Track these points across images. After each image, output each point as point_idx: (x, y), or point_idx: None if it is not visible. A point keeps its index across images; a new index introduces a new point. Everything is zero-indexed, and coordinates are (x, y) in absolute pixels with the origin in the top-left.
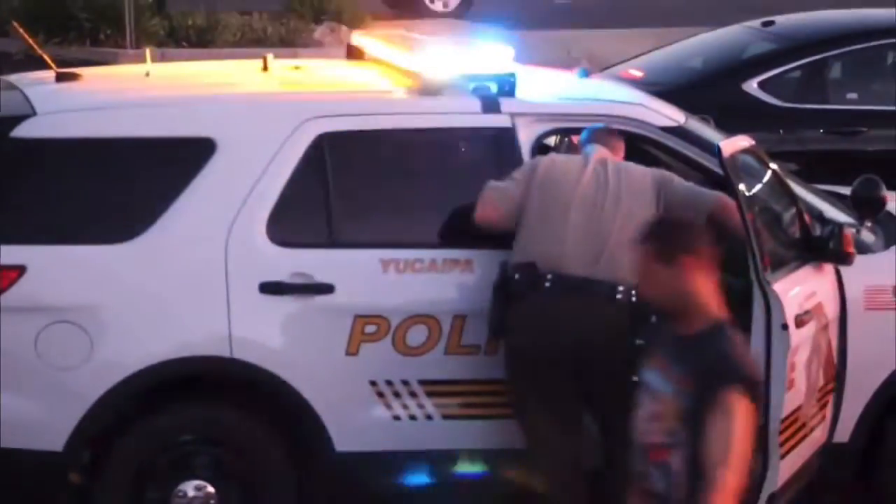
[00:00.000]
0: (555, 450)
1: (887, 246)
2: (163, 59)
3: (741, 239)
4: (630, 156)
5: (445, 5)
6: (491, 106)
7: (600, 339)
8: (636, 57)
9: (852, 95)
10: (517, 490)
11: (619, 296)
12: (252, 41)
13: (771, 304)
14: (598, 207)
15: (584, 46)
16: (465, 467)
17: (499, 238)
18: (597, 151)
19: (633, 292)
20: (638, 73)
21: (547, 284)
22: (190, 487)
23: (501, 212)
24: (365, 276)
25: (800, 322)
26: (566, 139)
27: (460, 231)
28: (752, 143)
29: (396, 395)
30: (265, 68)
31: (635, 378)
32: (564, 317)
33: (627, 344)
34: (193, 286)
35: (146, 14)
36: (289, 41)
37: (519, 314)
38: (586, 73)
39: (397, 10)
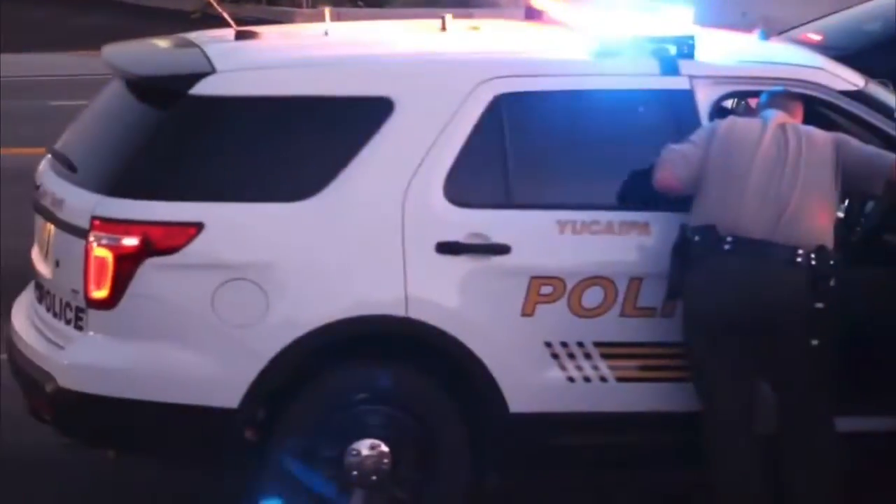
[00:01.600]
0: (730, 414)
1: None
2: (338, 18)
3: None
4: (808, 120)
5: None
6: (669, 68)
7: (780, 303)
8: (815, 20)
9: None
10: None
11: (798, 259)
12: (428, 1)
13: None
14: (779, 171)
15: (761, 9)
16: (639, 430)
17: (676, 201)
18: (776, 115)
19: (813, 256)
20: (816, 37)
21: (727, 247)
22: (364, 446)
23: (681, 175)
24: (541, 236)
25: None
26: (744, 102)
27: (637, 193)
28: None
29: (571, 356)
30: (443, 28)
31: (815, 342)
32: (744, 279)
33: (807, 307)
34: (370, 245)
35: None
36: (465, 1)
37: (698, 276)
38: (766, 36)
39: None
